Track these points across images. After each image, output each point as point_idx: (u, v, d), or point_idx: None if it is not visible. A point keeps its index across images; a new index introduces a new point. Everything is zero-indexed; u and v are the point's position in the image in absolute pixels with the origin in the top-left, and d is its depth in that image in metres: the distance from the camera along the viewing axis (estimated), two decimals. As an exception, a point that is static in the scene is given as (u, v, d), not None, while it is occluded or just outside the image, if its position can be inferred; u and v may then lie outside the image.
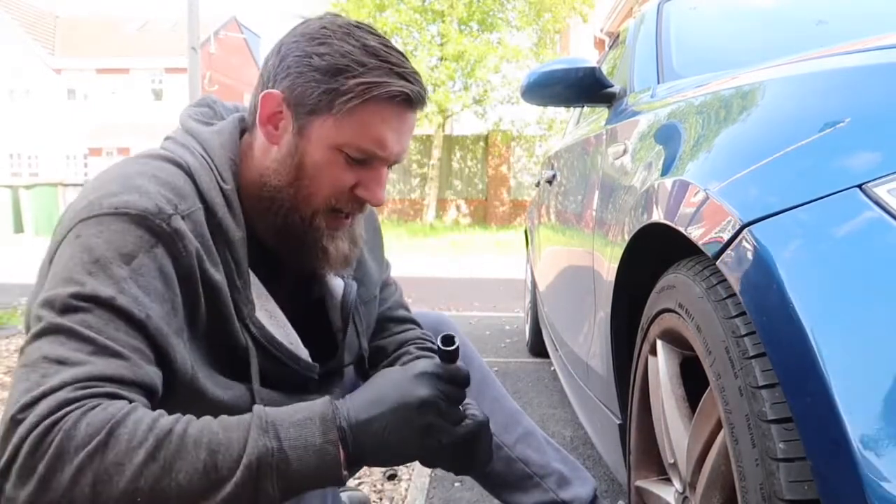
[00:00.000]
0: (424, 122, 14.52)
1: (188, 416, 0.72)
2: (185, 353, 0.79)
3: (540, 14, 14.47)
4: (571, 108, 2.62)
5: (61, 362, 0.68)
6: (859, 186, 0.59)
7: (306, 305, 1.01)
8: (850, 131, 0.65)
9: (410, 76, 0.86)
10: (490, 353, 3.43)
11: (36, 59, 23.27)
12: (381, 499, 1.70)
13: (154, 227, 0.76)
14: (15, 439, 0.65)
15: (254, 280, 0.90)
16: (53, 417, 0.65)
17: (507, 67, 14.52)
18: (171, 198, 0.80)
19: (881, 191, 0.57)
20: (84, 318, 0.71)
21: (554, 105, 1.75)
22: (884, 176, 0.58)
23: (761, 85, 0.88)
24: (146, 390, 0.73)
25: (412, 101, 0.86)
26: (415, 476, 1.81)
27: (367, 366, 1.10)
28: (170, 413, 0.72)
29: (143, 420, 0.68)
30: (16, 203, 12.31)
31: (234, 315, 0.85)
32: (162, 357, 0.76)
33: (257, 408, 0.74)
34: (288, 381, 0.94)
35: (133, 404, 0.70)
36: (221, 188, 0.86)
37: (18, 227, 12.29)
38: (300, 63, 0.85)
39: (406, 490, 1.74)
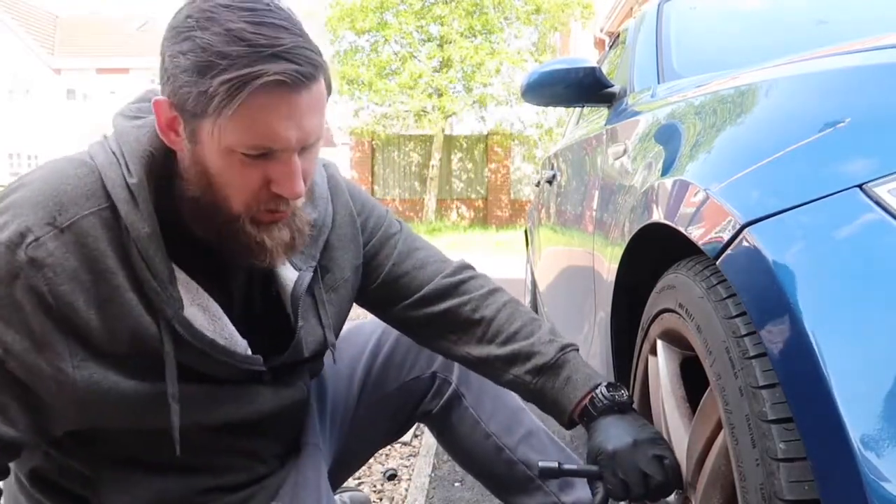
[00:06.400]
0: (426, 123, 14.50)
1: None
2: (69, 376, 0.80)
3: (534, 21, 14.52)
4: (571, 108, 2.62)
5: None
6: (860, 186, 0.59)
7: (266, 299, 0.97)
8: (850, 131, 0.65)
9: (285, 53, 0.75)
10: (490, 353, 3.41)
11: (35, 59, 23.27)
12: (381, 499, 1.70)
13: (14, 260, 0.77)
14: None
15: (182, 276, 0.86)
16: None
17: (506, 70, 14.53)
18: (45, 214, 0.78)
19: (881, 191, 0.57)
20: None
21: (554, 105, 1.75)
22: (884, 176, 0.58)
23: (761, 85, 0.88)
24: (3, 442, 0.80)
25: (293, 82, 0.75)
26: (415, 476, 1.80)
27: (429, 333, 1.10)
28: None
29: None
30: (16, 203, 12.30)
31: (148, 316, 0.83)
32: (31, 389, 0.80)
33: None
34: (231, 376, 0.92)
35: None
36: (127, 183, 0.82)
37: (18, 228, 12.28)
38: (172, 65, 0.78)
39: (406, 490, 1.73)
